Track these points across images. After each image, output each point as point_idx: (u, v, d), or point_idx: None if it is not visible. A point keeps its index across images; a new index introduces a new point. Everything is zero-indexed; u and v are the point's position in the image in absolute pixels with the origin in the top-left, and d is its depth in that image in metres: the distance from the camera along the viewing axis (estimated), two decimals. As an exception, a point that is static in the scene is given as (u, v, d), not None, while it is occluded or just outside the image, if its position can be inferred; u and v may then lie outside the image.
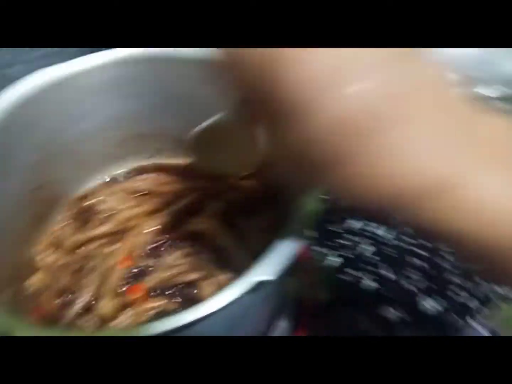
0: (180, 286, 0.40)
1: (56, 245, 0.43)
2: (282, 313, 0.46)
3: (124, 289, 0.40)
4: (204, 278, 0.40)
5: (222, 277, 0.39)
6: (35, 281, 0.40)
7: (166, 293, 0.40)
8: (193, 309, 0.24)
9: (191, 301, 0.40)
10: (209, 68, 0.39)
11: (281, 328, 0.46)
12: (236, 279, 0.38)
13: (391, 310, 0.47)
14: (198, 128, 0.36)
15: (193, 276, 0.40)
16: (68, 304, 0.39)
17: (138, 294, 0.39)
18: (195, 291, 0.40)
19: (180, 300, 0.40)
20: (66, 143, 0.43)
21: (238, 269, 0.39)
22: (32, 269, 0.41)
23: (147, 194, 0.47)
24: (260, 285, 0.25)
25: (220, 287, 0.38)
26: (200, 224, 0.43)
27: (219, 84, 0.40)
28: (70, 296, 0.39)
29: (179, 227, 0.44)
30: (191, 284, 0.40)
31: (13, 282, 0.39)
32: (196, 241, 0.43)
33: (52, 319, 0.38)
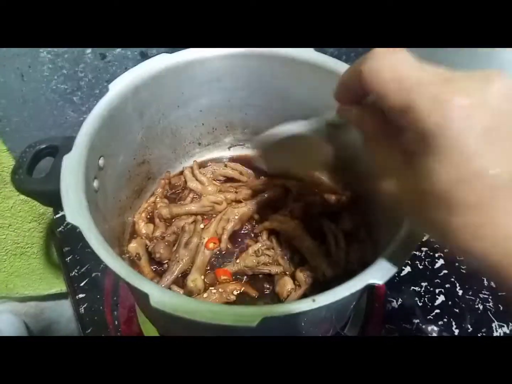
0: (259, 275, 0.44)
1: (152, 216, 0.47)
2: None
3: (210, 269, 0.44)
4: (282, 273, 0.43)
5: (298, 274, 0.42)
6: (133, 247, 0.44)
7: (246, 279, 0.44)
8: (309, 299, 0.27)
9: (266, 290, 0.44)
10: (305, 69, 0.42)
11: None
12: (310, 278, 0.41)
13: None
14: (268, 136, 0.36)
15: (273, 269, 0.43)
16: (162, 273, 0.43)
17: (225, 276, 0.43)
18: (269, 285, 0.43)
19: (256, 288, 0.43)
20: (168, 126, 0.47)
21: (313, 270, 0.43)
22: (132, 234, 0.46)
23: (233, 181, 0.51)
24: (368, 287, 0.28)
25: (294, 284, 0.42)
26: (281, 222, 0.46)
27: (312, 87, 0.43)
28: (163, 265, 0.44)
29: (261, 220, 0.47)
30: (268, 276, 0.44)
31: (118, 243, 0.44)
32: (276, 236, 0.46)
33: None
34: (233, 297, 0.42)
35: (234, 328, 0.28)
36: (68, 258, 0.56)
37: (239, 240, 0.47)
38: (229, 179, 0.51)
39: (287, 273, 0.44)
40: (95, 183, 0.37)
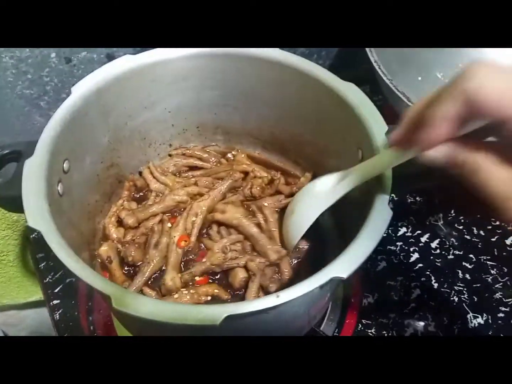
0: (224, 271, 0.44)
1: (120, 220, 0.47)
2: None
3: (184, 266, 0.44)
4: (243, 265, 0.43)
5: (249, 263, 0.43)
6: (103, 251, 0.44)
7: (213, 277, 0.44)
8: (273, 295, 0.28)
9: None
10: (271, 68, 0.42)
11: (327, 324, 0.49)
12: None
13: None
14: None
15: (240, 262, 0.43)
16: (135, 274, 0.43)
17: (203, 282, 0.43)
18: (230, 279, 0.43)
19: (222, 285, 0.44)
20: (136, 128, 0.46)
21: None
22: (103, 238, 0.45)
23: (196, 169, 0.51)
24: (331, 281, 0.28)
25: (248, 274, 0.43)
26: (222, 212, 0.46)
27: (280, 85, 0.43)
28: (136, 268, 0.44)
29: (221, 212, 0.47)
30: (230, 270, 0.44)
31: (88, 247, 0.43)
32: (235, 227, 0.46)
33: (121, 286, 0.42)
34: (204, 299, 0.42)
35: (200, 327, 0.28)
36: (42, 265, 0.55)
37: (207, 234, 0.47)
38: (191, 168, 0.51)
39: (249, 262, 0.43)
40: (59, 187, 0.36)
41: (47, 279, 0.54)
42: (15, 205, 0.33)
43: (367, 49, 0.53)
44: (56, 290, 0.53)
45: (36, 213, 0.31)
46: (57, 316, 0.51)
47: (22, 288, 0.73)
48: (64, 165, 0.37)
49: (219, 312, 0.27)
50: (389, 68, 0.55)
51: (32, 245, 0.58)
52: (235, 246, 0.45)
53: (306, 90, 0.42)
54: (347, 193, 0.44)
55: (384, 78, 0.50)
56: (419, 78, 0.65)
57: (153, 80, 0.43)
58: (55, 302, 0.52)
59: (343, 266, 0.29)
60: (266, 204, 0.47)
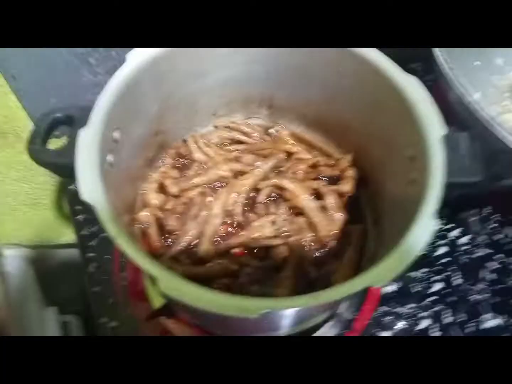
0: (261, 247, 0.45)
1: (161, 187, 0.48)
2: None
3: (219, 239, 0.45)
4: (283, 244, 0.44)
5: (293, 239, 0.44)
6: (143, 216, 0.45)
7: (252, 250, 0.45)
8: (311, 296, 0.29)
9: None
10: (331, 50, 0.41)
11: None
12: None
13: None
14: None
15: (274, 242, 0.44)
16: (171, 243, 0.44)
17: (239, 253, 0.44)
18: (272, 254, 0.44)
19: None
20: (185, 97, 0.46)
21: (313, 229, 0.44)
22: (144, 203, 0.47)
23: (240, 143, 0.51)
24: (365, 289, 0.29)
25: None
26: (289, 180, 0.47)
27: (333, 66, 0.41)
28: (173, 236, 0.45)
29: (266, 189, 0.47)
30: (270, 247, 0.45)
31: (129, 210, 0.45)
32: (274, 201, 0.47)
33: (156, 253, 0.44)
34: (235, 267, 0.44)
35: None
36: (80, 217, 0.57)
37: (247, 211, 0.47)
38: (235, 141, 0.52)
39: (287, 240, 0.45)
40: (110, 157, 0.37)
41: (83, 231, 0.56)
42: (68, 172, 0.34)
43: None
44: (91, 243, 0.55)
45: (90, 187, 0.31)
46: (91, 269, 0.54)
47: (56, 229, 0.77)
48: (115, 134, 0.38)
49: (258, 306, 0.28)
50: (445, 49, 0.53)
51: (70, 196, 0.60)
52: (282, 224, 0.46)
53: (363, 77, 0.41)
54: (384, 178, 0.44)
55: (446, 66, 0.48)
56: (477, 63, 0.62)
57: (206, 52, 0.42)
58: (90, 255, 0.55)
59: (379, 276, 0.30)
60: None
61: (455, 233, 0.56)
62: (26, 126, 0.53)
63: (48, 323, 0.75)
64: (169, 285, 0.29)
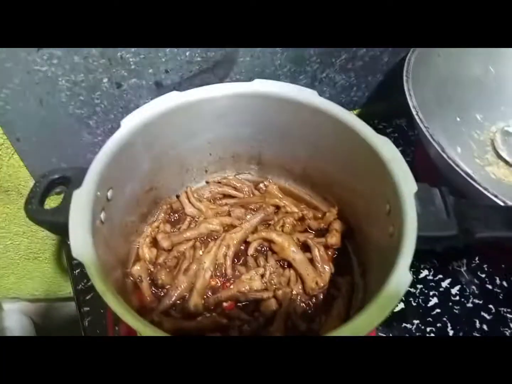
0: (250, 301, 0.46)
1: (154, 241, 0.49)
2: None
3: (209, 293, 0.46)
4: (272, 297, 0.45)
5: (277, 293, 0.45)
6: (135, 270, 0.47)
7: (241, 304, 0.46)
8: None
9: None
10: (307, 111, 0.44)
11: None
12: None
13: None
14: None
15: (264, 295, 0.45)
16: (163, 296, 0.46)
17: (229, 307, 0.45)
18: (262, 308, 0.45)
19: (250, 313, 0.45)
20: (176, 157, 0.49)
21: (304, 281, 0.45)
22: (136, 257, 0.48)
23: (230, 197, 0.54)
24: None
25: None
26: (277, 233, 0.48)
27: (314, 128, 0.45)
28: (165, 289, 0.46)
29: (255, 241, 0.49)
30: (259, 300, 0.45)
31: (122, 264, 0.46)
32: (264, 255, 0.49)
33: (148, 306, 0.45)
34: (224, 321, 0.44)
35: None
36: (76, 271, 0.59)
37: (237, 264, 0.49)
38: (225, 196, 0.54)
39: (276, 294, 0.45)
40: (102, 215, 0.39)
41: (80, 286, 0.58)
42: (62, 230, 0.36)
43: (406, 92, 0.53)
44: (87, 297, 0.56)
45: (81, 245, 0.33)
46: (86, 323, 0.54)
47: (54, 283, 0.78)
48: (108, 193, 0.40)
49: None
50: (428, 107, 0.56)
51: (68, 250, 0.62)
52: (271, 276, 0.47)
53: (341, 137, 0.43)
54: (369, 231, 0.46)
55: (421, 125, 0.51)
56: (458, 119, 0.65)
57: (195, 115, 0.45)
58: (85, 309, 0.55)
59: (359, 327, 0.31)
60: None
61: (445, 283, 0.57)
62: (27, 183, 0.56)
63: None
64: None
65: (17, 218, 0.62)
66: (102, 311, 0.55)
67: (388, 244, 0.39)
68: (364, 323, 0.31)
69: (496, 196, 0.44)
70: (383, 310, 0.31)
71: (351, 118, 0.42)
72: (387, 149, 0.40)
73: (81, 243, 0.34)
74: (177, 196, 0.53)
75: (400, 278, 0.33)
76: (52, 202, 0.54)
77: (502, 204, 0.43)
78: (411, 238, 0.34)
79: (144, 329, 0.30)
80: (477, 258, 0.58)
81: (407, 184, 0.37)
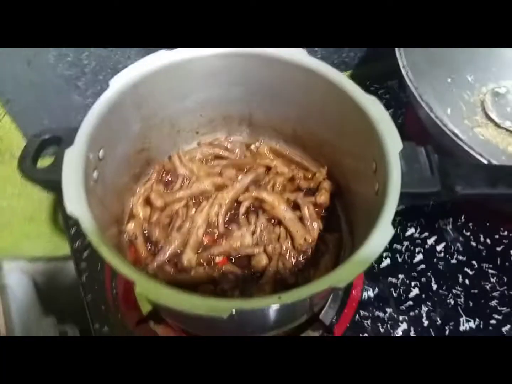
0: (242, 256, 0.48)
1: (147, 200, 0.51)
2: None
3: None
4: (261, 253, 0.47)
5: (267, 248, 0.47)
6: (130, 227, 0.48)
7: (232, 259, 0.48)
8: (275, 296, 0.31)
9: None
10: (297, 71, 0.44)
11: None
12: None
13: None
14: None
15: (255, 250, 0.47)
16: (157, 252, 0.47)
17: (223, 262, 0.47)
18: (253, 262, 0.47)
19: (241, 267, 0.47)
20: (167, 117, 0.49)
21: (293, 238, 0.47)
22: (131, 216, 0.49)
23: (222, 158, 0.54)
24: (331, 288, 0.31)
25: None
26: (267, 192, 0.49)
27: (304, 88, 0.45)
28: (159, 246, 0.48)
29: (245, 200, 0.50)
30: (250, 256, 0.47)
31: (118, 223, 0.47)
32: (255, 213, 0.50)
33: (142, 262, 0.47)
34: (216, 274, 0.46)
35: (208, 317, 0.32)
36: (72, 230, 0.60)
37: (228, 222, 0.50)
38: (217, 157, 0.55)
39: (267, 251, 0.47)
40: (95, 173, 0.40)
41: (77, 243, 0.59)
42: (55, 188, 0.37)
43: (397, 52, 0.53)
44: (84, 255, 0.58)
45: (74, 202, 0.34)
46: (84, 279, 0.56)
47: (52, 243, 0.79)
48: (100, 153, 0.41)
49: (227, 306, 0.31)
50: (418, 67, 0.56)
51: (63, 210, 0.63)
52: (261, 233, 0.48)
53: (330, 97, 0.44)
54: (356, 190, 0.47)
55: (410, 85, 0.51)
56: (449, 80, 0.65)
57: (185, 75, 0.45)
58: (83, 265, 0.57)
59: (342, 276, 0.32)
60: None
61: (431, 241, 0.59)
62: (20, 145, 0.56)
63: (47, 333, 0.78)
64: (143, 287, 0.31)
65: (12, 180, 0.63)
66: (99, 267, 0.57)
67: (374, 202, 0.40)
68: (346, 273, 0.32)
69: (481, 155, 0.45)
70: (364, 261, 0.33)
71: (340, 77, 0.42)
72: (374, 108, 0.40)
73: (74, 200, 0.35)
74: (169, 157, 0.54)
75: (382, 231, 0.34)
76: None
77: (486, 163, 0.44)
78: (395, 194, 0.36)
79: (139, 278, 0.32)
80: (463, 217, 0.60)
81: (393, 142, 0.38)
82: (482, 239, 0.58)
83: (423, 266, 0.57)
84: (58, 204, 0.70)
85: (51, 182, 0.38)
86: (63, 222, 0.63)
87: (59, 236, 0.79)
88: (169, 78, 0.44)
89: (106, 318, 0.55)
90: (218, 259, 0.48)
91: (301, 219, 0.49)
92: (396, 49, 0.53)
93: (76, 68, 0.50)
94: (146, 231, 0.48)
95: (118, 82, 0.41)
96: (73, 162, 0.36)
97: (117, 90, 0.41)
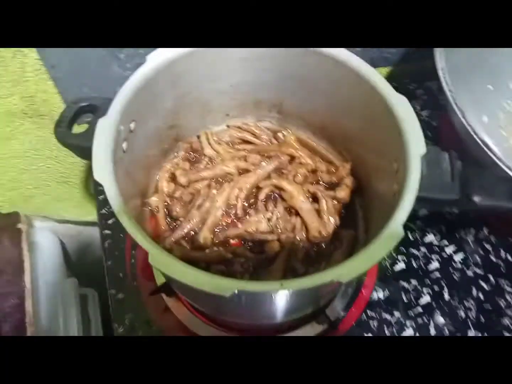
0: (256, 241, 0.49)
1: (172, 176, 0.52)
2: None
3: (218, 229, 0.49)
4: (276, 239, 0.48)
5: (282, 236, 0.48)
6: (153, 201, 0.50)
7: (247, 243, 0.49)
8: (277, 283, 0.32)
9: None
10: (329, 63, 0.44)
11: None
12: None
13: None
14: None
15: (269, 237, 0.48)
16: (176, 227, 0.49)
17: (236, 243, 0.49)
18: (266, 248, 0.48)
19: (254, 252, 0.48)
20: (199, 97, 0.50)
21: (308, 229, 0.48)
22: (155, 189, 0.51)
23: (249, 143, 0.55)
24: (332, 281, 0.32)
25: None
26: (288, 181, 0.50)
27: (336, 81, 0.45)
28: (178, 222, 0.49)
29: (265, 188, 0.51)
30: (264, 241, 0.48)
31: (142, 195, 0.50)
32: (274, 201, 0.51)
33: (161, 235, 0.49)
34: (229, 256, 0.48)
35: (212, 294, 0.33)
36: (101, 197, 0.63)
37: (248, 206, 0.51)
38: (244, 141, 0.56)
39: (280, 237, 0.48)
40: (124, 145, 0.42)
41: (103, 209, 0.62)
42: (86, 155, 0.39)
43: (436, 53, 0.52)
44: (109, 222, 0.61)
45: (102, 169, 0.36)
46: (106, 244, 0.59)
47: (83, 207, 0.83)
48: (131, 125, 0.42)
49: (231, 286, 0.32)
50: (458, 70, 0.55)
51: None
52: (277, 221, 0.49)
53: (359, 91, 0.44)
54: (376, 188, 0.47)
55: (446, 87, 0.50)
56: (489, 87, 0.63)
57: (219, 58, 0.46)
58: (107, 231, 0.60)
59: (345, 271, 0.33)
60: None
61: (449, 250, 0.58)
62: (60, 110, 0.59)
63: (68, 294, 0.82)
64: (155, 257, 0.33)
65: (49, 142, 0.66)
66: (121, 235, 0.59)
67: (391, 203, 0.40)
68: (351, 268, 0.33)
69: (509, 168, 0.44)
70: (370, 260, 0.33)
71: (370, 71, 0.42)
72: (402, 107, 0.40)
73: (102, 167, 0.36)
74: (198, 137, 0.55)
75: (392, 233, 0.34)
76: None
77: (513, 176, 0.43)
78: (410, 196, 0.36)
79: (153, 248, 0.34)
80: (485, 230, 0.59)
81: (416, 144, 0.38)
82: (502, 254, 0.57)
83: (437, 274, 0.56)
84: (90, 170, 0.73)
85: (83, 148, 0.40)
86: (94, 188, 0.66)
87: (89, 201, 0.83)
88: (204, 59, 0.46)
89: (123, 285, 0.57)
90: (232, 242, 0.49)
91: (318, 212, 0.50)
92: (436, 49, 0.52)
93: (119, 41, 0.52)
94: (168, 206, 0.50)
95: (155, 59, 0.42)
96: (105, 131, 0.38)
97: (153, 66, 0.42)
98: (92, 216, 0.87)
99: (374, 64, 0.42)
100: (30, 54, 0.51)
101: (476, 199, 0.37)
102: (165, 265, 0.33)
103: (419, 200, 0.36)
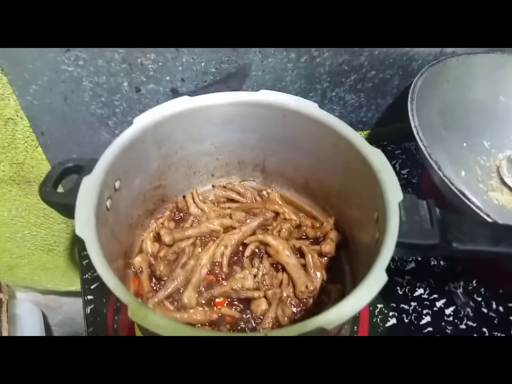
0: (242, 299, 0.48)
1: (157, 236, 0.52)
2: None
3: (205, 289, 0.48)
4: (260, 297, 0.47)
5: (267, 293, 0.47)
6: (137, 261, 0.50)
7: (231, 301, 0.48)
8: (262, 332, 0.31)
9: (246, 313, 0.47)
10: (308, 122, 0.47)
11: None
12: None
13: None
14: None
15: (255, 294, 0.47)
16: (160, 287, 0.48)
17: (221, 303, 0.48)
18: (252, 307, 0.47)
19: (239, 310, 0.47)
20: (184, 157, 0.52)
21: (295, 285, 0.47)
22: (140, 249, 0.51)
23: (234, 201, 0.56)
24: (317, 329, 0.31)
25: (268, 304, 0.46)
26: (273, 237, 0.50)
27: (315, 139, 0.47)
28: (162, 282, 0.49)
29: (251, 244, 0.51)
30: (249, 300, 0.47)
31: (125, 256, 0.49)
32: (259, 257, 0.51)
33: (144, 296, 0.47)
34: (215, 316, 0.46)
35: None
36: (85, 262, 0.62)
37: (232, 263, 0.51)
38: (229, 200, 0.57)
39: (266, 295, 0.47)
40: (108, 202, 0.42)
41: (87, 275, 0.61)
42: (68, 212, 0.39)
43: (410, 112, 0.56)
44: (92, 287, 0.59)
45: (84, 224, 0.36)
46: (88, 311, 0.57)
47: (66, 277, 0.81)
48: (116, 183, 0.43)
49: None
50: (434, 130, 0.58)
51: (80, 243, 0.66)
52: (263, 277, 0.49)
53: (338, 148, 0.46)
54: (360, 240, 0.47)
55: (420, 144, 0.53)
56: (464, 144, 0.67)
57: (204, 119, 0.48)
58: (89, 297, 0.58)
59: (330, 319, 0.32)
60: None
61: (440, 303, 0.57)
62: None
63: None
64: (135, 312, 0.32)
65: (36, 209, 0.66)
66: (104, 299, 0.58)
67: (374, 251, 0.40)
68: (335, 316, 0.32)
69: (488, 215, 0.45)
70: (355, 306, 0.33)
71: (346, 129, 0.44)
72: (378, 159, 0.42)
73: (84, 222, 0.37)
74: (184, 196, 0.56)
75: (375, 278, 0.34)
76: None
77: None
78: (391, 242, 0.36)
79: (132, 302, 0.33)
80: (474, 282, 0.58)
81: (393, 192, 0.39)
82: (494, 306, 0.56)
83: (430, 328, 0.55)
84: (76, 238, 0.73)
85: (67, 206, 0.40)
86: (78, 254, 0.66)
87: (73, 271, 0.81)
88: (189, 121, 0.48)
89: (105, 352, 0.54)
90: (217, 300, 0.48)
91: (305, 266, 0.50)
92: (409, 109, 0.55)
93: (108, 108, 0.54)
94: (152, 266, 0.50)
95: (142, 121, 0.45)
96: (89, 188, 0.39)
97: (140, 127, 0.44)
98: (76, 286, 0.84)
99: (353, 127, 0.44)
100: (22, 122, 0.53)
101: (457, 243, 0.38)
102: (142, 318, 0.32)
103: (400, 246, 0.36)
